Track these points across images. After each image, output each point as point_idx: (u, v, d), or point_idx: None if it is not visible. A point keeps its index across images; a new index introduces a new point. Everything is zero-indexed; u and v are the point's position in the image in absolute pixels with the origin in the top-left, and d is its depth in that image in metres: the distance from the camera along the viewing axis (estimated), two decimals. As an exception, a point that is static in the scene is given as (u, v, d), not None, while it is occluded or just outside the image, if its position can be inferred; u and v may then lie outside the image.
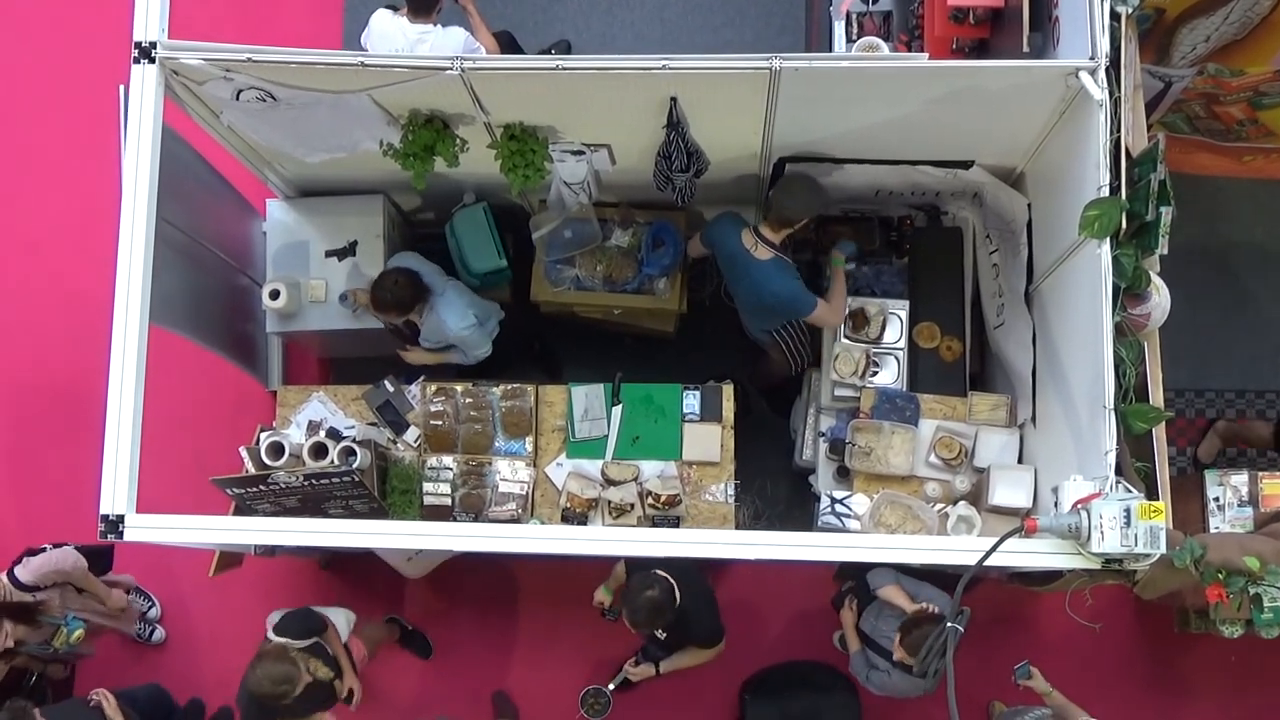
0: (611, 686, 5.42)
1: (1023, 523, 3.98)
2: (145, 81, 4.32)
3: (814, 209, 5.14)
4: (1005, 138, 4.90)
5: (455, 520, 5.47)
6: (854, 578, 5.46)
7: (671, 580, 4.80)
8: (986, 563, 3.95)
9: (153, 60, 4.31)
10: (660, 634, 5.01)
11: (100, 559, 5.71)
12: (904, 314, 5.55)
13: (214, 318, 5.60)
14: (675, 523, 5.42)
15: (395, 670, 6.33)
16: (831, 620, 5.80)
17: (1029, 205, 5.09)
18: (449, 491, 5.52)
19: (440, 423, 5.56)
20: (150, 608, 6.35)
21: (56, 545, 5.42)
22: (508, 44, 6.24)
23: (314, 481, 5.08)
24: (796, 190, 5.05)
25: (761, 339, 5.60)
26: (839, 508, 5.33)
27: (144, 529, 4.17)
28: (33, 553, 5.34)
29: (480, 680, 6.31)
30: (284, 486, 5.08)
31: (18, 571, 5.21)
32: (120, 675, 6.07)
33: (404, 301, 5.27)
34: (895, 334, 5.53)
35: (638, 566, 4.99)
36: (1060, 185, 4.65)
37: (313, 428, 5.49)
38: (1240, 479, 5.42)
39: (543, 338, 6.44)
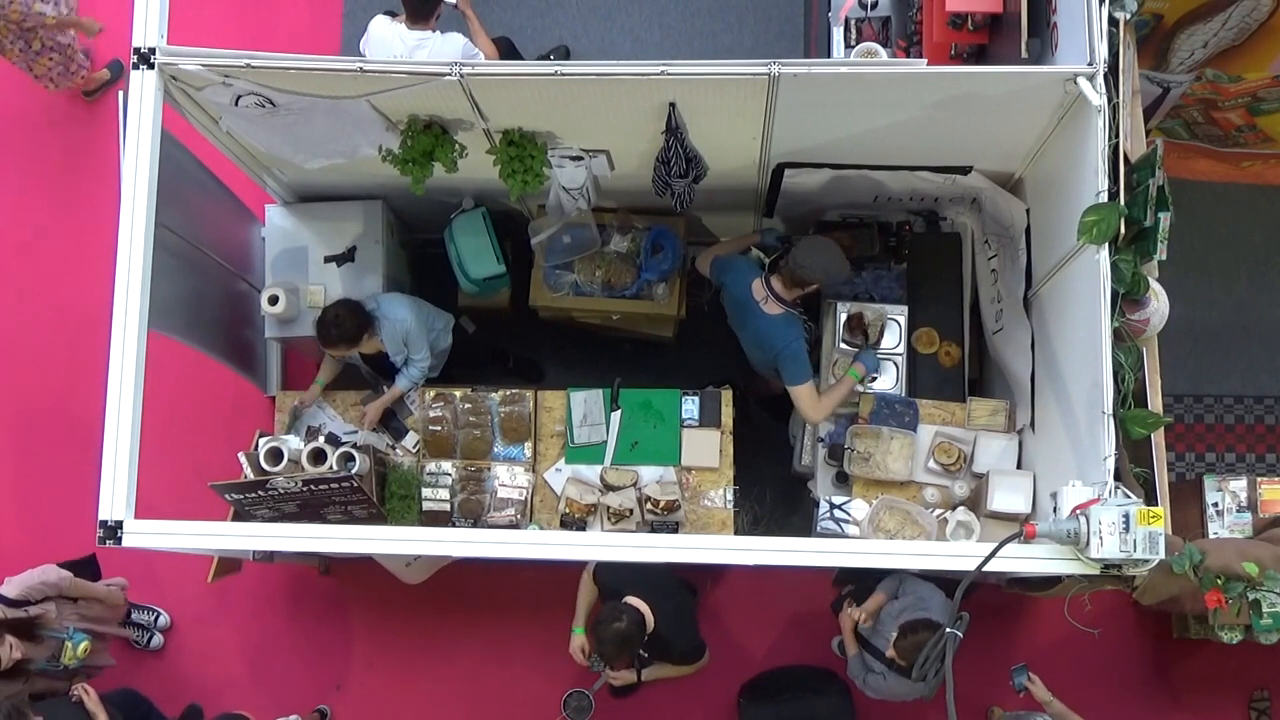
0: (595, 687, 5.35)
1: (1021, 528, 3.98)
2: (144, 87, 4.32)
3: (831, 277, 5.10)
4: (1004, 143, 4.90)
5: (454, 526, 5.47)
6: (854, 582, 5.46)
7: (642, 608, 4.73)
8: (985, 568, 3.95)
9: (152, 66, 4.32)
10: (641, 652, 4.98)
11: (83, 571, 5.65)
12: (903, 319, 5.54)
13: (213, 323, 5.60)
14: (674, 528, 5.42)
15: (385, 671, 6.33)
16: (828, 625, 5.80)
17: (1027, 210, 5.09)
18: (448, 497, 5.52)
19: (439, 428, 5.56)
20: (158, 617, 6.34)
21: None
22: (506, 50, 6.25)
23: (313, 487, 5.07)
24: (818, 254, 5.00)
25: (762, 372, 5.56)
26: (838, 513, 5.33)
27: (142, 534, 4.17)
28: None
29: (471, 684, 6.32)
30: (282, 492, 5.07)
31: (2, 589, 5.18)
32: (118, 680, 6.05)
33: (351, 331, 5.16)
34: (894, 339, 5.53)
35: (610, 583, 4.94)
36: (1059, 191, 4.65)
37: (312, 433, 5.49)
38: (1239, 484, 5.42)
39: (517, 352, 6.44)
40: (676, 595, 5.04)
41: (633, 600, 4.76)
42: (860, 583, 5.37)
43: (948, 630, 4.14)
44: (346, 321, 5.16)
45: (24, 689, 5.19)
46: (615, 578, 4.94)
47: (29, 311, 6.72)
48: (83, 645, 5.31)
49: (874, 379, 5.43)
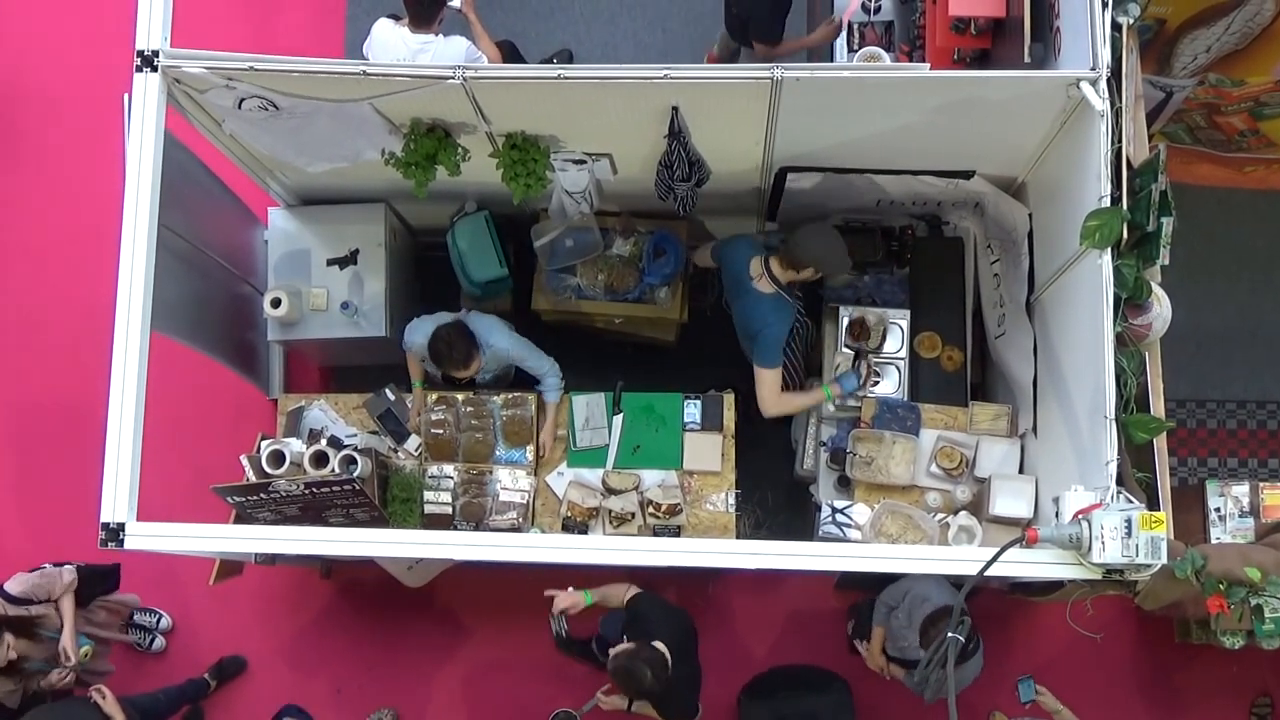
0: (584, 710, 5.30)
1: (1024, 533, 3.97)
2: (148, 90, 4.32)
3: (828, 266, 5.06)
4: (1007, 148, 4.91)
5: (456, 529, 5.47)
6: (856, 587, 5.45)
7: (668, 656, 4.60)
8: (988, 573, 3.95)
9: (155, 69, 4.32)
10: None
11: (105, 578, 5.64)
12: (905, 323, 5.55)
13: (215, 325, 5.60)
14: (676, 532, 5.42)
15: (387, 674, 6.33)
16: (829, 626, 5.81)
17: (1030, 215, 5.09)
18: (450, 500, 5.52)
19: (441, 431, 5.56)
20: (160, 619, 6.34)
21: (58, 565, 5.37)
22: (509, 53, 6.25)
23: (315, 490, 5.07)
24: (818, 240, 4.96)
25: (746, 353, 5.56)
26: (840, 517, 5.33)
27: (144, 537, 4.17)
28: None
29: (472, 687, 6.31)
30: (284, 495, 5.07)
31: (7, 586, 5.17)
32: (117, 683, 6.04)
33: (465, 349, 5.13)
34: (896, 343, 5.53)
35: (646, 613, 4.80)
36: (1061, 195, 4.65)
37: (314, 436, 5.49)
38: (1241, 489, 5.41)
39: None
40: (694, 660, 4.92)
41: (660, 647, 4.61)
42: (863, 609, 5.33)
43: (949, 635, 4.14)
44: (458, 336, 5.13)
45: (18, 689, 5.19)
46: (653, 610, 4.80)
47: (33, 313, 6.72)
48: (84, 649, 5.29)
49: (844, 398, 5.39)
